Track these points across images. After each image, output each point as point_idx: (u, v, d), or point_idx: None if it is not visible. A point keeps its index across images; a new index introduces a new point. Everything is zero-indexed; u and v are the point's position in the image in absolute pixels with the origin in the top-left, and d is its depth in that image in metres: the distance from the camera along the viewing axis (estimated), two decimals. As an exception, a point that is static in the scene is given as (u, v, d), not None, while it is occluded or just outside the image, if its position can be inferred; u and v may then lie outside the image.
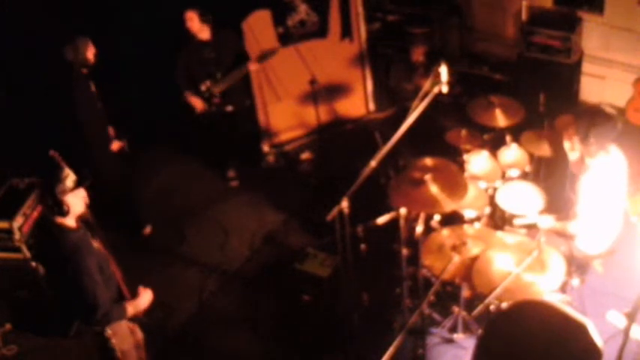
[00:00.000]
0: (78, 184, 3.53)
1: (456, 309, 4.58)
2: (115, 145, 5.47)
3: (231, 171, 6.52)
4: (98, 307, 3.51)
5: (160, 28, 6.20)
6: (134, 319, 3.89)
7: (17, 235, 4.70)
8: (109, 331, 3.69)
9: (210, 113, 6.04)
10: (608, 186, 4.06)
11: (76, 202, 3.53)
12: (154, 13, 6.37)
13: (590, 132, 3.94)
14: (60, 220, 3.52)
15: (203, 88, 5.94)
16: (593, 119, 3.96)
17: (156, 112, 6.63)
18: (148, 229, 6.02)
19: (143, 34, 6.40)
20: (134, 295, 3.86)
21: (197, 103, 5.97)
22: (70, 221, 3.55)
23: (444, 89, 4.12)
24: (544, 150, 5.02)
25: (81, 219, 3.66)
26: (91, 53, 5.20)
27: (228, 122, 6.17)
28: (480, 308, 3.82)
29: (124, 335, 3.81)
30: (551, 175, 5.26)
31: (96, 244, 3.69)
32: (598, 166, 4.05)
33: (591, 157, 4.04)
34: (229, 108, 6.07)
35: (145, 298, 3.87)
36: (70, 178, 3.50)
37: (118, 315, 3.70)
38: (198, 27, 5.79)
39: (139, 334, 4.00)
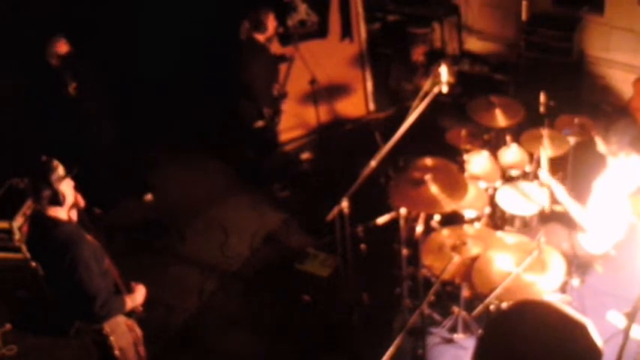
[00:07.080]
0: (66, 174, 3.53)
1: (456, 309, 4.58)
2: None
3: (276, 183, 6.34)
4: (96, 297, 3.47)
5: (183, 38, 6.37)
6: (134, 315, 3.87)
7: (17, 235, 4.69)
8: (107, 329, 3.67)
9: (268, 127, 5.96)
10: (624, 187, 4.08)
11: (69, 191, 3.54)
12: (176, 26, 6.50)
13: (609, 131, 3.97)
14: (52, 212, 3.50)
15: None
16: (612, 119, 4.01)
17: (166, 113, 6.67)
18: (149, 196, 6.27)
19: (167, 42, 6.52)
20: (131, 292, 3.84)
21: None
22: (62, 213, 3.53)
23: (444, 89, 4.12)
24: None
25: (77, 216, 3.66)
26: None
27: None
28: (479, 308, 3.82)
29: (122, 332, 3.78)
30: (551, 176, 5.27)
31: (89, 237, 3.66)
32: (617, 166, 4.07)
33: (614, 156, 4.06)
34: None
35: (140, 293, 3.87)
36: (60, 167, 3.50)
37: (118, 306, 3.66)
38: (273, 32, 5.67)
39: (138, 331, 3.97)
